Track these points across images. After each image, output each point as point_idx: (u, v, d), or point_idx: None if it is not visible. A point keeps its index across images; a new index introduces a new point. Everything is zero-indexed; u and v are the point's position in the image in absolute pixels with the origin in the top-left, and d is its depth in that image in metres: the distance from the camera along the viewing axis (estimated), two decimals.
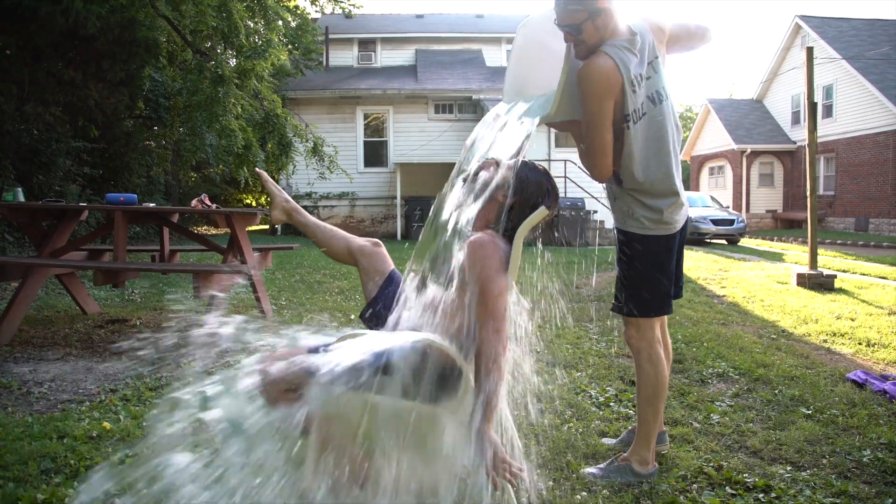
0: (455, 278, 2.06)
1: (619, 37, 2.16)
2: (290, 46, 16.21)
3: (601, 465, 2.37)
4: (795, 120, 23.19)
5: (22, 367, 3.51)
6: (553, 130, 16.53)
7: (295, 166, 13.02)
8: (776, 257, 11.94)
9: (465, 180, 2.09)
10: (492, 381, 1.83)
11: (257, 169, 2.80)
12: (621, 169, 2.22)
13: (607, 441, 2.59)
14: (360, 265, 2.40)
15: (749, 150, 23.77)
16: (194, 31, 11.24)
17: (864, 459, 2.50)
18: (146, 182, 13.66)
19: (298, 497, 2.06)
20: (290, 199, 2.48)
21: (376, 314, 2.35)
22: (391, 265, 2.41)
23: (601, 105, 2.13)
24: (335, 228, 2.47)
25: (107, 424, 2.62)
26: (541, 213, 1.98)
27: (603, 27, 2.13)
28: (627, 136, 2.17)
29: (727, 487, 2.26)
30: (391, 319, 2.21)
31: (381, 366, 2.05)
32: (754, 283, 7.71)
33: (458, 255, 2.04)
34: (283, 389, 2.07)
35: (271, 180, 2.51)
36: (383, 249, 2.43)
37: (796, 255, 11.97)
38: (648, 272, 2.30)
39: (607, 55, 2.11)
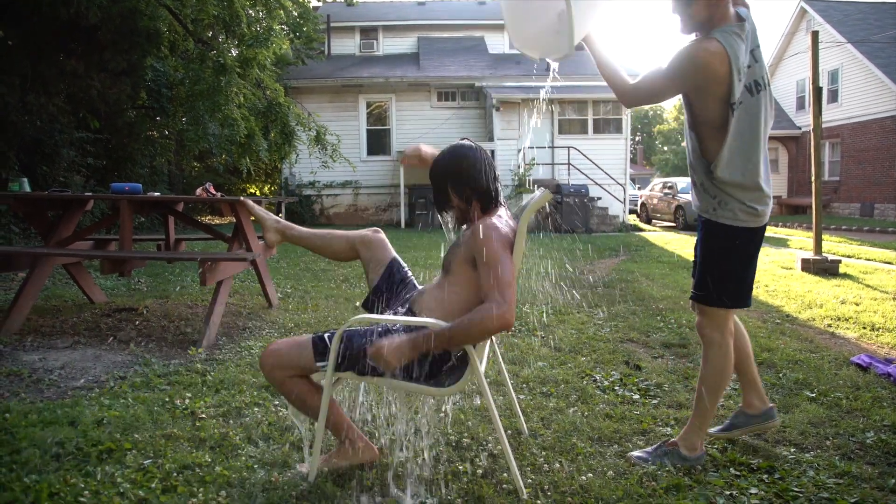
0: (457, 261, 2.08)
1: (729, 21, 2.13)
2: (291, 35, 16.15)
3: (648, 450, 2.37)
4: (800, 105, 23.05)
5: (32, 355, 3.55)
6: (556, 120, 16.48)
7: (298, 155, 13.03)
8: (781, 243, 11.91)
9: None
10: (456, 333, 1.88)
11: (241, 198, 2.78)
12: (718, 158, 2.17)
13: (712, 430, 2.54)
14: (362, 257, 2.43)
15: None
16: (195, 20, 11.21)
17: (868, 441, 2.51)
18: (149, 172, 13.66)
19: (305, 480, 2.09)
20: (279, 219, 2.48)
21: (378, 302, 2.38)
22: (392, 253, 2.44)
23: (684, 84, 2.13)
24: (331, 231, 2.49)
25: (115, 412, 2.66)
26: (544, 196, 1.99)
27: (714, 5, 2.12)
28: (732, 124, 2.13)
29: (731, 469, 2.28)
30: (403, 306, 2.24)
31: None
32: (759, 269, 7.69)
33: (466, 239, 2.07)
34: (288, 374, 2.10)
35: (256, 206, 2.51)
36: (384, 237, 2.46)
37: (801, 241, 11.94)
38: (735, 264, 2.27)
39: (719, 42, 2.07)
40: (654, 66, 2.20)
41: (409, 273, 2.44)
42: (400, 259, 2.45)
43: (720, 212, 2.22)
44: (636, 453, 2.36)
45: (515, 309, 1.92)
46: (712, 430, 2.53)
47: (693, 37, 2.22)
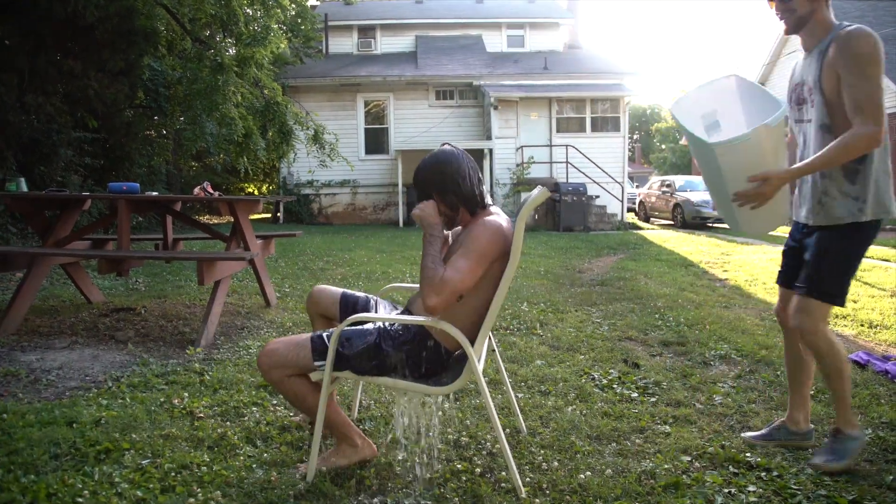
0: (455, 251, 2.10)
1: (832, 22, 2.20)
2: (289, 34, 16.14)
3: (822, 450, 2.34)
4: None
5: (29, 355, 3.54)
6: (555, 116, 16.46)
7: (296, 154, 13.00)
8: (779, 240, 11.92)
9: None
10: (420, 266, 1.97)
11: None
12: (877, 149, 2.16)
13: (749, 434, 2.55)
14: (321, 313, 2.46)
15: None
16: (193, 20, 11.19)
17: (866, 438, 2.51)
18: (147, 172, 13.64)
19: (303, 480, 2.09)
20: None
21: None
22: (338, 292, 2.44)
23: (880, 67, 2.09)
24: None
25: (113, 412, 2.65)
26: (542, 194, 1.99)
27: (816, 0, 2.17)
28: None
29: (730, 467, 2.28)
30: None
31: (389, 351, 2.09)
32: (756, 266, 7.72)
33: (462, 238, 2.08)
34: (287, 373, 2.10)
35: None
36: (321, 286, 2.49)
37: None
38: (857, 259, 2.29)
39: (865, 28, 2.12)
40: (838, 93, 2.15)
41: (361, 294, 2.46)
42: (348, 291, 2.46)
43: (865, 209, 2.20)
44: (816, 459, 2.30)
45: (441, 301, 1.92)
46: (748, 434, 2.54)
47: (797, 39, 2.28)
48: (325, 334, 2.11)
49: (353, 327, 2.13)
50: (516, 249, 1.99)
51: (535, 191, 2.01)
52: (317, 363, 2.06)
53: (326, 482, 2.07)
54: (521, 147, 16.23)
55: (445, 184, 2.10)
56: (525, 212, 1.98)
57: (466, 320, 2.05)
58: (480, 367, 2.06)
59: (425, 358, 2.09)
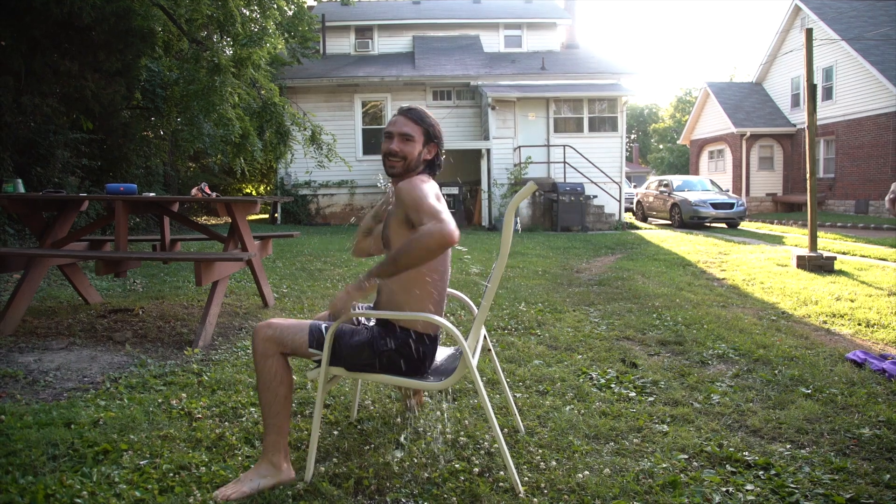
0: (393, 228, 2.12)
1: None
2: (286, 35, 16.12)
3: None
4: (795, 102, 23.09)
5: (27, 356, 3.54)
6: (552, 116, 16.45)
7: (293, 155, 12.99)
8: (776, 240, 11.95)
9: None
10: (401, 256, 1.84)
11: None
12: None
13: None
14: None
15: (749, 134, 23.70)
16: (190, 20, 11.16)
17: (863, 437, 2.52)
18: (145, 173, 13.62)
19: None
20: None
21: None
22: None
23: None
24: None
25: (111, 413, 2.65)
26: (529, 188, 1.98)
27: None
28: None
29: (727, 465, 2.29)
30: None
31: (385, 350, 2.09)
32: (754, 266, 7.73)
33: (394, 203, 2.11)
34: (278, 350, 2.10)
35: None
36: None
37: (796, 238, 11.98)
38: None
39: None
40: None
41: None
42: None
43: None
44: None
45: (455, 227, 1.84)
46: None
47: None
48: (323, 325, 2.11)
49: (347, 325, 2.14)
50: (505, 241, 2.02)
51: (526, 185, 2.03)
52: (311, 349, 2.08)
53: (325, 482, 2.07)
54: (519, 147, 16.23)
55: (439, 136, 2.28)
56: (513, 205, 1.98)
57: (429, 299, 2.08)
58: (475, 362, 2.07)
59: (416, 350, 2.08)
